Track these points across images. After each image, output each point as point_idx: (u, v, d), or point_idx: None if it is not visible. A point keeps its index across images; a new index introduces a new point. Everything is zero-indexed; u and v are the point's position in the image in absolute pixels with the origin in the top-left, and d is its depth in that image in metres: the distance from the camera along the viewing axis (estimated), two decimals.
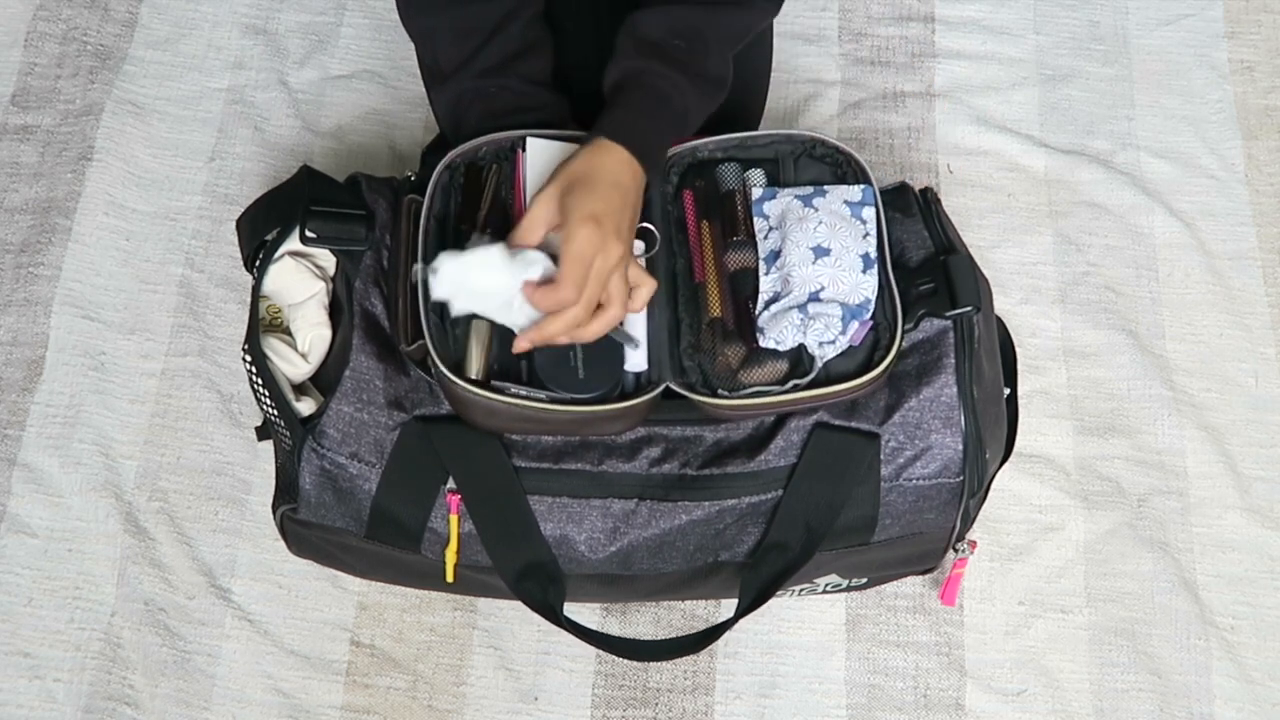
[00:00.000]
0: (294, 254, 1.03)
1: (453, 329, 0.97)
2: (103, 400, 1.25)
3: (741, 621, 1.01)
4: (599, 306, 0.92)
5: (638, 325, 0.99)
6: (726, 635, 1.04)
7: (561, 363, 0.95)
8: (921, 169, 1.39)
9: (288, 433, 1.00)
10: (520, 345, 0.93)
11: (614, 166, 0.94)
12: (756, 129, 1.22)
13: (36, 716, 1.13)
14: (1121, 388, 1.29)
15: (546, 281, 0.91)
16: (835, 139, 1.15)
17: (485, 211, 1.02)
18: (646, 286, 0.96)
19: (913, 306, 1.00)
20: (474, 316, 0.96)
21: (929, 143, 1.40)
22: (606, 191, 0.93)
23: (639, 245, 1.01)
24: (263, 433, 1.11)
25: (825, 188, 1.02)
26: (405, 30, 1.08)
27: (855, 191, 1.02)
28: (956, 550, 1.08)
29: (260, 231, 1.04)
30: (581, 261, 0.90)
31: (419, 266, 0.96)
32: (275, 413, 1.00)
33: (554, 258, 0.91)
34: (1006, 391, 1.10)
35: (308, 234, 1.01)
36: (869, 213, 1.01)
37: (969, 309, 1.00)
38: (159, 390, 1.26)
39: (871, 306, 0.99)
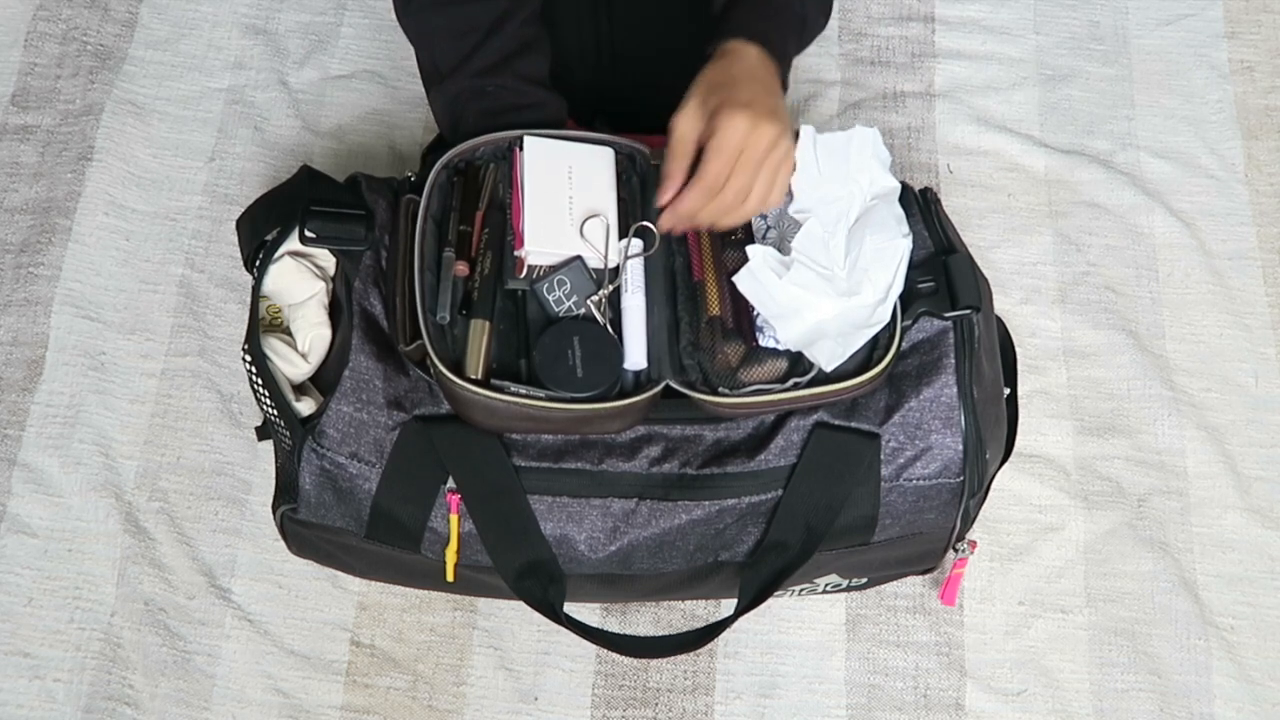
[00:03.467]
0: (294, 254, 1.03)
1: (451, 329, 0.97)
2: (103, 400, 1.25)
3: (741, 621, 1.01)
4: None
5: (636, 324, 0.99)
6: (726, 635, 1.04)
7: (560, 361, 0.95)
8: (921, 169, 1.39)
9: (288, 433, 1.00)
10: (662, 224, 0.94)
11: (749, 64, 0.95)
12: None
13: (36, 716, 1.13)
14: (1121, 388, 1.29)
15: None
16: None
17: (483, 211, 1.02)
18: (786, 168, 0.95)
19: (912, 305, 1.00)
20: (475, 317, 0.97)
21: (929, 143, 1.40)
22: (748, 83, 0.94)
23: (637, 244, 1.01)
24: (263, 433, 1.11)
25: None
26: (402, 30, 1.08)
27: None
28: (956, 550, 1.08)
29: (260, 231, 1.04)
30: (728, 149, 0.91)
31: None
32: (275, 413, 1.00)
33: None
34: (1006, 391, 1.10)
35: (308, 234, 1.01)
36: None
37: (969, 309, 1.00)
38: (159, 390, 1.26)
39: None
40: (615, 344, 0.98)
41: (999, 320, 1.11)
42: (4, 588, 1.17)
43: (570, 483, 0.98)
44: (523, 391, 0.94)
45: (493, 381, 0.95)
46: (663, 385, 0.97)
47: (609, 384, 0.96)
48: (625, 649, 1.03)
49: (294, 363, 1.02)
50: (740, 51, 0.96)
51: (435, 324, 0.96)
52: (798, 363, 0.98)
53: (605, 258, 1.00)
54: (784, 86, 1.03)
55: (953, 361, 1.00)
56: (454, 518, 0.99)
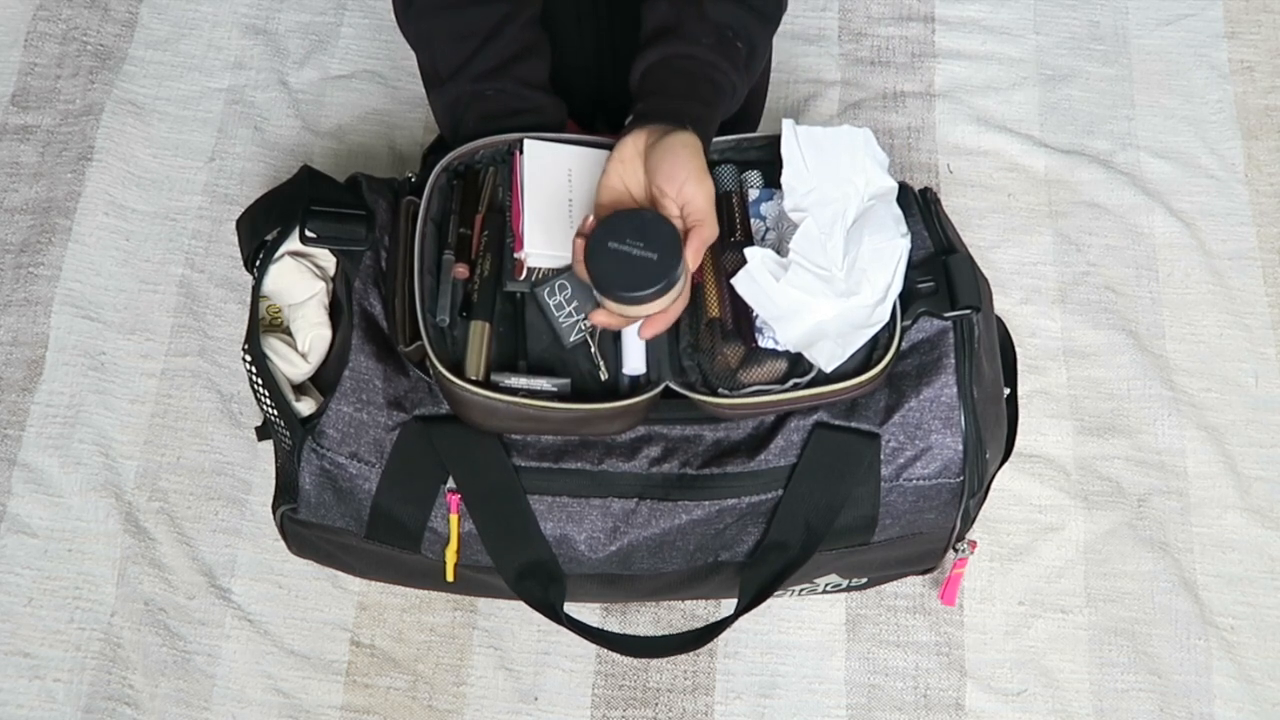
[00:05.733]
0: (294, 254, 1.03)
1: (451, 331, 0.97)
2: (103, 400, 1.25)
3: (741, 621, 1.01)
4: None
5: (634, 325, 0.99)
6: (726, 635, 1.04)
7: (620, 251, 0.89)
8: (921, 169, 1.39)
9: (288, 433, 1.00)
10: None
11: (692, 146, 0.95)
12: (755, 130, 1.22)
13: (36, 716, 1.13)
14: (1121, 388, 1.29)
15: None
16: None
17: (482, 214, 1.02)
18: None
19: (912, 305, 1.00)
20: (475, 319, 0.97)
21: (929, 143, 1.40)
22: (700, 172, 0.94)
23: None
24: (263, 433, 1.11)
25: None
26: (402, 34, 1.08)
27: None
28: (956, 550, 1.08)
29: (260, 231, 1.04)
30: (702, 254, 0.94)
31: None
32: (275, 413, 1.00)
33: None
34: (1006, 391, 1.10)
35: (308, 234, 1.01)
36: None
37: (969, 309, 1.00)
38: (159, 390, 1.26)
39: None
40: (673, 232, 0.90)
41: (999, 320, 1.11)
42: (4, 588, 1.17)
43: (570, 483, 0.99)
44: (523, 383, 0.94)
45: (492, 376, 0.95)
46: (662, 386, 0.97)
47: (665, 284, 0.90)
48: (625, 649, 1.03)
49: (294, 363, 1.02)
50: (699, 148, 0.94)
51: (435, 325, 0.96)
52: (797, 363, 0.98)
53: None
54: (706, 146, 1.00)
55: (953, 361, 1.00)
56: (454, 518, 0.99)
